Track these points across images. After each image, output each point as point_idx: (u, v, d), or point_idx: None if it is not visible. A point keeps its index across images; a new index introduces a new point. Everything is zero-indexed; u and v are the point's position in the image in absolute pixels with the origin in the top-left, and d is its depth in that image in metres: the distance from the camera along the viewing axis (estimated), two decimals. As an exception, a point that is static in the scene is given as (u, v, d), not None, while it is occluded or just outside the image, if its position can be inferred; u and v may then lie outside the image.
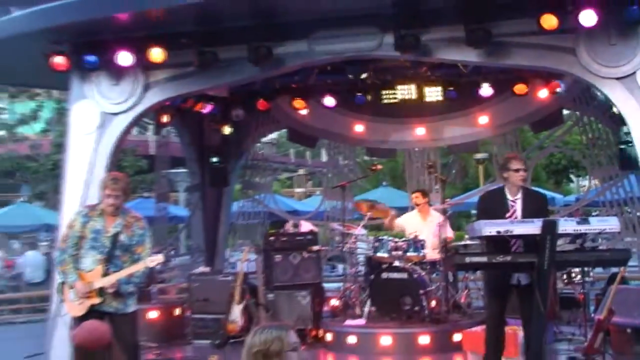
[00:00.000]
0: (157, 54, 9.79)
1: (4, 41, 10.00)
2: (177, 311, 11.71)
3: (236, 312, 10.82)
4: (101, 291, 7.01)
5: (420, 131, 13.81)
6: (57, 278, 7.48)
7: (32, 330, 12.93)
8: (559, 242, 6.95)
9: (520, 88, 12.37)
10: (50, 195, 25.85)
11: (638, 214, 12.74)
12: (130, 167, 26.40)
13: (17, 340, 12.15)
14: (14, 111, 28.15)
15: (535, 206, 7.36)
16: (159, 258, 7.17)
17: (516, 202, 7.39)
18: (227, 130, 13.75)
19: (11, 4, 10.03)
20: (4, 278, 23.53)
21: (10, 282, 22.32)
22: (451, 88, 12.74)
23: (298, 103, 13.17)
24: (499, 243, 7.01)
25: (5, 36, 9.94)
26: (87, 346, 4.10)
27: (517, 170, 7.42)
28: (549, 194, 22.22)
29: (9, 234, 26.45)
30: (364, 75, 11.81)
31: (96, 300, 7.01)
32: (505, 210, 7.33)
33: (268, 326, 3.97)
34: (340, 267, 16.23)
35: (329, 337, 10.49)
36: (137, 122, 10.76)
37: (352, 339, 10.15)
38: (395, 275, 10.42)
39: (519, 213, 7.32)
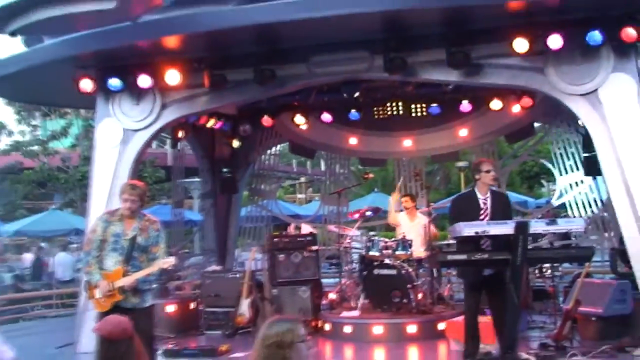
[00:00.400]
0: (172, 76, 9.82)
1: (38, 66, 10.04)
2: (192, 305, 11.66)
3: (244, 306, 10.82)
4: (122, 289, 7.03)
5: (407, 143, 13.83)
6: (84, 278, 7.49)
7: (62, 323, 12.93)
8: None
9: (495, 104, 12.40)
10: (78, 203, 25.85)
11: (601, 215, 12.76)
12: (150, 177, 26.35)
13: (49, 333, 12.11)
14: (46, 128, 28.17)
15: (501, 202, 7.60)
16: (171, 261, 7.13)
17: (487, 200, 7.54)
18: (235, 143, 13.76)
19: (44, 34, 10.07)
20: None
21: (43, 280, 22.33)
22: (435, 104, 12.77)
23: (299, 119, 13.19)
24: (470, 242, 7.09)
25: (39, 62, 9.98)
26: (110, 337, 4.10)
27: (488, 171, 7.59)
28: (523, 197, 22.27)
29: (42, 237, 26.46)
30: (357, 94, 11.84)
31: (119, 298, 7.01)
32: (478, 208, 7.44)
33: (279, 319, 3.94)
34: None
35: (327, 327, 10.49)
36: (155, 137, 10.79)
37: (348, 329, 10.15)
38: (385, 271, 10.43)
39: (489, 209, 7.46)
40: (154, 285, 7.41)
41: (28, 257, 27.94)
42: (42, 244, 26.40)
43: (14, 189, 27.02)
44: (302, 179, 43.14)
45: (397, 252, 10.60)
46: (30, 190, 26.75)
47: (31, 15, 8.11)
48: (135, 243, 7.08)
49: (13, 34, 8.59)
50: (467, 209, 7.50)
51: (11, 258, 30.28)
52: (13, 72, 10.30)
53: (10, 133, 26.91)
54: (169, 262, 7.09)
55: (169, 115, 10.32)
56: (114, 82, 10.00)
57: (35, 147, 26.50)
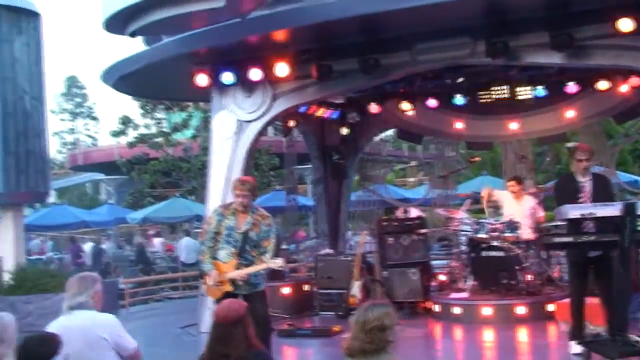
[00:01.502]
0: (282, 69, 9.93)
1: (158, 63, 10.37)
2: (306, 287, 11.80)
3: (356, 288, 10.86)
4: (232, 281, 7.15)
5: (513, 126, 13.47)
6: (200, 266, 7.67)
7: (187, 304, 13.32)
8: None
9: (602, 84, 11.90)
10: (199, 190, 26.53)
11: None
12: (265, 164, 26.78)
13: (175, 314, 12.51)
14: (169, 121, 29.02)
15: (602, 185, 7.39)
16: (279, 262, 7.17)
17: (587, 183, 7.33)
18: (344, 130, 13.77)
19: (161, 33, 10.37)
20: (165, 260, 24.38)
21: (170, 263, 23.10)
22: (540, 87, 12.37)
23: (405, 105, 13.06)
24: (573, 224, 6.87)
25: (159, 59, 10.31)
26: (225, 321, 4.19)
27: (580, 160, 7.36)
28: (634, 177, 21.32)
29: (168, 223, 27.32)
30: (460, 80, 11.62)
31: (229, 288, 7.13)
32: (577, 190, 7.25)
33: (373, 304, 3.94)
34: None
35: (436, 308, 10.42)
36: (267, 127, 10.94)
37: (457, 310, 10.05)
38: (493, 253, 10.26)
39: (589, 191, 7.25)
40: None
41: (157, 241, 29.06)
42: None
43: (141, 179, 27.97)
44: (413, 163, 42.81)
45: (505, 234, 10.38)
46: (156, 179, 27.60)
47: (148, 16, 8.35)
48: (248, 237, 7.16)
49: (133, 34, 8.88)
50: (566, 191, 7.31)
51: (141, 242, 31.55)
52: (136, 69, 10.68)
53: (136, 126, 27.81)
54: (277, 263, 7.14)
55: (280, 106, 10.44)
56: (227, 77, 10.20)
57: (160, 139, 27.29)
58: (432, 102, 13.00)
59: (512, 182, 11.33)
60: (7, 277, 12.43)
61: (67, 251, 24.37)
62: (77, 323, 4.73)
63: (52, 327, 4.73)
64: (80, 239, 27.69)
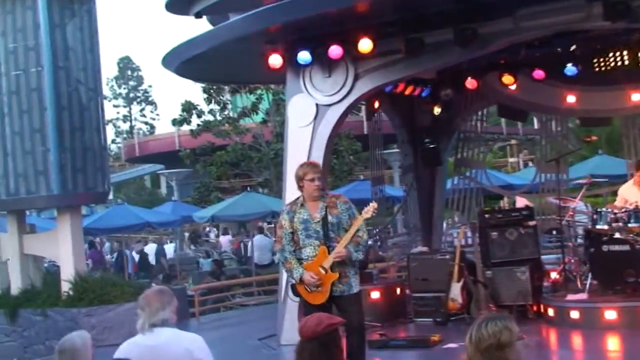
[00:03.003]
0: (365, 44, 9.95)
1: (225, 44, 10.52)
2: (398, 290, 11.84)
3: (455, 290, 10.83)
4: (334, 267, 7.15)
5: (636, 97, 13.16)
6: (284, 277, 7.74)
7: (263, 312, 13.55)
8: None
9: None
10: (273, 182, 26.79)
11: None
12: (346, 150, 26.84)
13: (251, 323, 12.73)
14: (235, 104, 29.31)
15: None
16: (372, 206, 7.16)
17: None
18: (437, 110, 13.69)
19: (228, 11, 10.52)
20: (234, 260, 24.78)
21: (241, 265, 23.45)
22: (668, 51, 12.06)
23: (507, 79, 12.92)
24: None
25: (226, 40, 10.46)
26: (314, 337, 4.24)
27: None
28: None
29: (239, 222, 27.59)
30: (572, 47, 11.42)
31: (335, 276, 7.08)
32: None
33: (490, 317, 3.88)
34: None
35: (550, 312, 10.32)
36: (349, 111, 11.00)
37: (574, 314, 9.93)
38: (616, 247, 10.09)
39: None
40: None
41: (224, 240, 29.54)
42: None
43: (207, 171, 28.38)
44: (513, 141, 42.26)
45: (629, 225, 10.19)
46: (223, 171, 27.94)
47: (214, -7, 8.51)
48: (328, 223, 7.23)
49: (198, 15, 9.05)
50: None
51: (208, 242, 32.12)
52: (201, 52, 10.86)
53: (200, 113, 28.16)
54: (370, 209, 7.12)
55: (363, 86, 10.47)
56: (304, 56, 10.26)
57: (226, 126, 27.61)
58: (538, 74, 12.84)
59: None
60: (66, 287, 12.85)
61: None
62: (162, 342, 4.81)
63: (129, 348, 4.87)
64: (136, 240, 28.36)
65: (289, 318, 9.91)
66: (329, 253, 7.14)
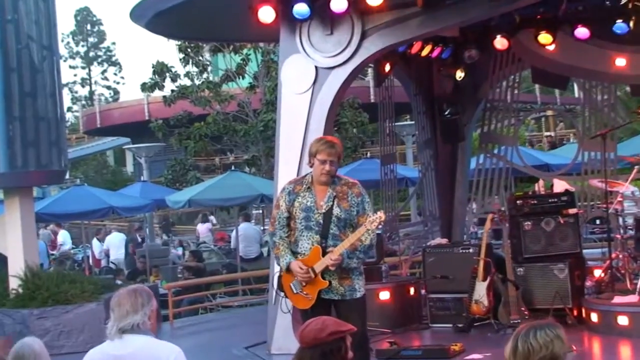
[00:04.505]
0: (374, -5, 9.95)
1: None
2: (412, 290, 11.88)
3: (481, 291, 10.88)
4: (325, 273, 7.20)
5: (699, 61, 13.21)
6: (275, 270, 7.77)
7: (250, 315, 13.61)
8: None
9: None
10: (262, 160, 26.76)
11: None
12: (350, 123, 26.79)
13: (235, 328, 12.77)
14: (217, 66, 29.16)
15: None
16: (379, 217, 7.17)
17: None
18: (459, 75, 13.70)
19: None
20: (217, 254, 24.79)
21: (225, 259, 23.45)
22: None
23: (544, 38, 12.90)
24: None
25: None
26: (315, 344, 4.28)
27: None
28: None
29: (221, 207, 27.44)
30: (624, 0, 11.43)
31: (324, 284, 7.19)
32: None
33: (537, 325, 3.90)
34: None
35: (594, 317, 10.38)
36: (355, 75, 11.00)
37: (623, 320, 9.99)
38: (674, 240, 10.17)
39: None
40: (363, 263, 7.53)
41: (203, 229, 29.57)
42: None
43: (184, 146, 28.32)
44: (550, 112, 42.31)
45: (689, 214, 10.26)
46: (203, 146, 27.86)
47: None
48: (333, 216, 7.23)
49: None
50: None
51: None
52: (177, 3, 10.84)
53: (175, 77, 28.04)
54: (376, 219, 7.12)
55: (372, 46, 10.46)
56: (301, 8, 10.22)
57: (206, 92, 27.50)
58: (582, 32, 12.82)
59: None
60: (15, 283, 12.83)
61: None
62: (129, 352, 4.84)
63: (94, 356, 4.91)
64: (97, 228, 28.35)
65: (282, 322, 9.93)
66: (323, 254, 7.17)
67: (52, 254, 25.74)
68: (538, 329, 3.87)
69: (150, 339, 4.92)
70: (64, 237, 27.81)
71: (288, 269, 7.31)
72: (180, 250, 26.61)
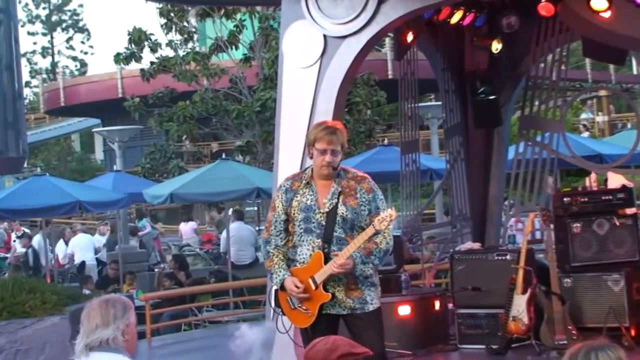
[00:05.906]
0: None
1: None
2: (437, 304, 11.89)
3: (520, 305, 10.89)
4: (327, 283, 7.18)
5: None
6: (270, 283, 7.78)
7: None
8: None
9: None
10: (259, 147, 26.77)
11: None
12: (364, 103, 26.82)
13: (225, 347, 12.80)
14: (204, 35, 29.20)
15: None
16: (390, 214, 7.14)
17: None
18: (496, 47, 13.71)
19: None
20: (203, 259, 24.87)
21: (213, 265, 23.52)
22: None
23: (598, 2, 12.94)
24: None
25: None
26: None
27: None
28: None
29: (208, 202, 27.41)
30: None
31: (325, 298, 7.18)
32: None
33: (594, 347, 3.92)
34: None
35: (656, 338, 10.43)
36: (371, 46, 11.00)
37: (691, 342, 10.04)
38: None
39: None
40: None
41: (187, 229, 29.62)
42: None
43: (165, 129, 28.37)
44: (604, 92, 42.35)
45: None
46: (188, 130, 27.91)
47: None
48: (337, 216, 7.23)
49: None
50: None
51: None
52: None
53: (155, 46, 28.03)
54: (386, 217, 7.09)
55: (392, 11, 10.47)
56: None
57: (192, 65, 27.53)
58: (644, -3, 12.86)
59: None
60: (-36, 292, 12.88)
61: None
62: None
63: None
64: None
65: (281, 341, 9.94)
66: (326, 261, 7.15)
67: (6, 257, 25.83)
68: (599, 351, 3.88)
69: (123, 358, 4.92)
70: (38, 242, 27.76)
71: (282, 286, 7.31)
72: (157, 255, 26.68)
